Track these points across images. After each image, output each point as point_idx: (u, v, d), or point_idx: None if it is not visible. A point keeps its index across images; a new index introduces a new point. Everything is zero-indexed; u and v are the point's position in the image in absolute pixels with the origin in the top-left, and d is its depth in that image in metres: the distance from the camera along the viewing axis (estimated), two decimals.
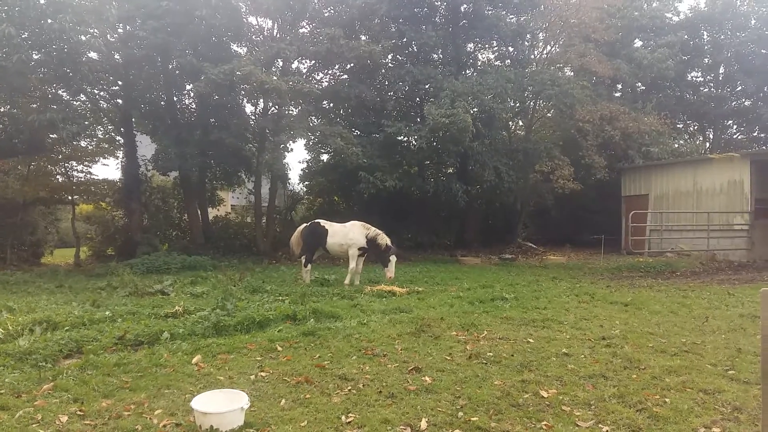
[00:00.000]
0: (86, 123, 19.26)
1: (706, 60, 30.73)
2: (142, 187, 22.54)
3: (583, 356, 6.38)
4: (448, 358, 6.37)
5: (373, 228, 13.05)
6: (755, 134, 31.44)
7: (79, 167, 22.32)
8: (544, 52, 25.73)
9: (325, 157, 25.97)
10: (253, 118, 23.03)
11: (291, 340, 7.18)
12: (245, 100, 22.59)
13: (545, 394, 5.07)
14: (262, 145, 22.02)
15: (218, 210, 26.58)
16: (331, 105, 24.80)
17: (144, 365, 5.99)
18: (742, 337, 7.45)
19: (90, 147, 22.64)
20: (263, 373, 5.80)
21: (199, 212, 22.90)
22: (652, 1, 29.53)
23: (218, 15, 18.97)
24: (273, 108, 21.97)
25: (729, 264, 18.43)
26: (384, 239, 12.88)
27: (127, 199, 21.59)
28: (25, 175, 20.28)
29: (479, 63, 25.67)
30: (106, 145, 23.17)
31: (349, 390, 5.26)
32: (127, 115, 20.94)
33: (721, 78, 31.12)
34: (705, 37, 30.79)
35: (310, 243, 13.36)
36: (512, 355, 6.39)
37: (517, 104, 23.54)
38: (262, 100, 21.98)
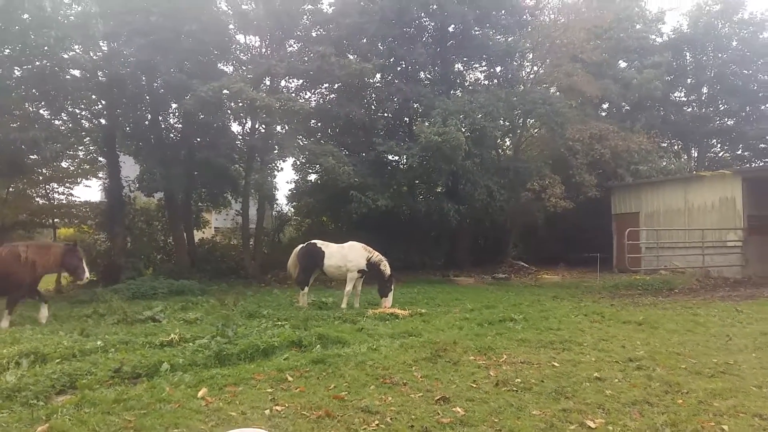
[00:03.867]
0: (70, 141, 18.65)
1: (689, 80, 31.11)
2: (126, 209, 21.85)
3: (617, 380, 6.03)
4: (474, 385, 5.96)
5: (376, 252, 12.62)
6: (739, 152, 31.81)
7: (60, 189, 21.61)
8: (532, 71, 25.77)
9: (312, 177, 25.66)
10: (240, 137, 22.62)
11: (301, 369, 6.71)
12: (232, 119, 22.18)
13: (592, 425, 4.69)
14: (249, 165, 21.58)
15: (203, 232, 25.94)
16: (319, 124, 24.49)
17: (146, 401, 5.48)
18: None
19: (71, 168, 21.99)
20: (278, 407, 5.33)
21: (185, 235, 22.26)
22: (635, 24, 29.80)
23: (207, 31, 18.60)
24: (260, 127, 21.59)
25: (725, 280, 18.37)
26: (387, 267, 12.47)
27: (110, 221, 20.86)
28: (4, 198, 19.52)
29: (467, 83, 25.59)
30: (88, 166, 22.53)
31: (377, 425, 4.83)
32: (110, 135, 20.35)
33: (704, 98, 31.49)
34: (688, 58, 31.22)
35: (306, 265, 12.88)
36: (542, 381, 6.01)
37: (507, 123, 23.39)
38: (249, 120, 21.59)
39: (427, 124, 19.49)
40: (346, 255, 12.58)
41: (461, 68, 25.42)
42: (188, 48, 18.88)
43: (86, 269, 11.13)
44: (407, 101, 21.97)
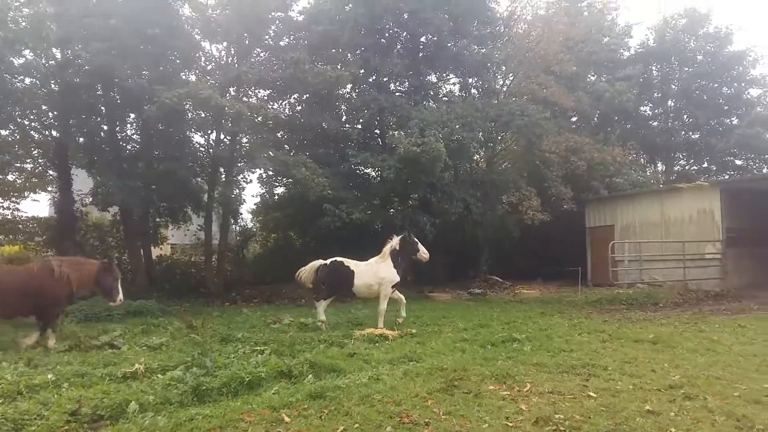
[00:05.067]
0: (19, 152, 17.26)
1: (655, 94, 31.38)
2: (77, 225, 20.36)
3: (673, 414, 5.22)
4: (510, 424, 5.07)
5: (386, 250, 11.83)
6: (705, 166, 32.15)
7: (5, 203, 19.98)
8: (505, 84, 25.41)
9: (279, 191, 24.59)
10: (203, 149, 21.43)
11: (297, 406, 5.68)
12: (195, 130, 20.96)
13: None
14: (213, 178, 20.44)
15: (161, 249, 24.48)
16: (286, 137, 23.46)
17: None
18: None
19: (18, 181, 20.41)
20: None
21: (141, 252, 20.81)
22: (603, 37, 29.88)
23: (170, 36, 17.45)
24: (225, 138, 20.46)
25: (705, 294, 17.99)
26: (392, 243, 11.84)
27: (60, 238, 19.42)
28: None
29: (441, 95, 25.04)
30: (36, 180, 20.99)
31: None
32: (62, 146, 18.92)
33: (670, 112, 31.78)
34: (654, 72, 31.53)
35: (332, 285, 11.66)
36: (589, 417, 5.15)
37: (484, 134, 22.84)
38: (214, 130, 20.43)
39: (402, 134, 18.72)
40: (377, 272, 11.62)
41: (434, 80, 24.88)
42: (149, 53, 17.75)
43: (120, 290, 10.37)
44: (381, 111, 21.16)
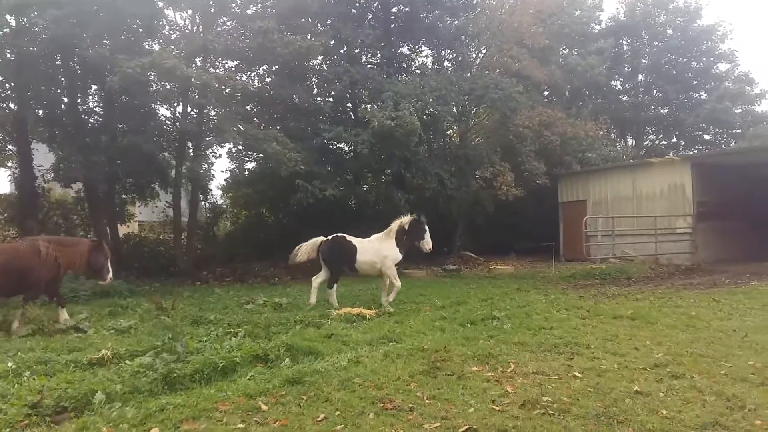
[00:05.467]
0: None
1: (626, 68, 31.45)
2: (39, 201, 19.56)
3: (662, 394, 5.11)
4: (496, 407, 4.89)
5: (393, 227, 11.47)
6: (674, 140, 32.48)
7: None
8: (478, 56, 25.08)
9: (250, 166, 24.01)
10: (169, 122, 20.70)
11: (274, 393, 5.43)
12: (160, 102, 20.19)
13: None
14: (181, 153, 19.78)
15: (128, 227, 23.79)
16: (256, 110, 22.81)
17: None
18: None
19: None
20: None
21: (108, 230, 20.14)
22: (574, 10, 29.69)
23: (131, 2, 16.62)
24: (192, 111, 19.78)
25: (676, 268, 18.25)
26: (402, 221, 11.41)
27: (21, 215, 18.60)
28: None
29: (414, 67, 24.62)
30: None
31: None
32: (20, 119, 18.05)
33: (640, 86, 31.92)
34: (624, 46, 31.57)
35: (335, 262, 11.32)
36: (577, 399, 5.01)
37: (457, 108, 22.57)
38: (181, 102, 19.72)
39: (376, 108, 18.31)
40: (380, 250, 11.27)
41: (407, 52, 24.44)
42: (110, 21, 16.88)
43: (110, 269, 10.33)
44: (354, 84, 20.65)
